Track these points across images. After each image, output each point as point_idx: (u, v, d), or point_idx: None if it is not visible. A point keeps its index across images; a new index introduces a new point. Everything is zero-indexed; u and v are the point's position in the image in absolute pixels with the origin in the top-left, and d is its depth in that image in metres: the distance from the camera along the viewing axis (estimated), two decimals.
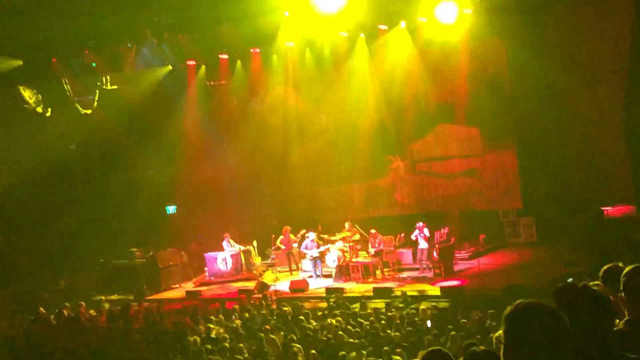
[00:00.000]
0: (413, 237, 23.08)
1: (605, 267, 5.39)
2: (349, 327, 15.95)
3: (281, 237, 25.62)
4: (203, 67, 28.07)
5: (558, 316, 3.34)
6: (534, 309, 3.37)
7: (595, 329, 3.83)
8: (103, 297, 23.56)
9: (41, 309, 22.40)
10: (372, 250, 23.74)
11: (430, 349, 4.64)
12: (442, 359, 4.55)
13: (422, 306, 18.04)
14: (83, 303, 22.06)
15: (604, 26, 22.78)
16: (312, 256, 24.07)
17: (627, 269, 4.41)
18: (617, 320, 4.25)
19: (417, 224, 23.04)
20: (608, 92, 23.27)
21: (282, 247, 25.59)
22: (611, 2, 22.68)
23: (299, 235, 25.22)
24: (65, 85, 26.97)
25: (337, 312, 18.02)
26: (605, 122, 23.57)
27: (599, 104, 23.68)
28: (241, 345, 15.07)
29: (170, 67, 27.36)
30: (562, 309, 3.49)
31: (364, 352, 13.80)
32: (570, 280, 18.03)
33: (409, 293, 20.25)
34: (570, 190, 23.90)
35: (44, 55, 24.85)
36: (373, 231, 24.06)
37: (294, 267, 25.70)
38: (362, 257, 23.82)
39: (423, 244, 22.84)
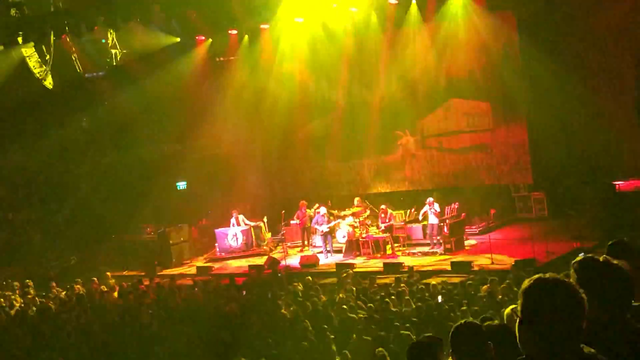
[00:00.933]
0: (422, 213, 23.07)
1: (610, 242, 5.32)
2: (359, 302, 15.98)
3: (297, 211, 25.64)
4: (211, 41, 27.94)
5: (576, 291, 3.31)
6: (551, 283, 3.34)
7: (614, 304, 3.80)
8: (109, 273, 23.64)
9: (53, 284, 22.58)
10: (382, 226, 23.73)
11: (461, 321, 4.65)
12: (473, 331, 4.55)
13: (433, 281, 18.04)
14: (95, 279, 22.20)
15: (618, 5, 22.59)
16: (322, 231, 24.14)
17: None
18: None
19: (428, 199, 23.02)
20: (620, 65, 23.11)
21: (297, 221, 25.61)
22: None
23: (314, 208, 25.23)
24: (75, 62, 26.93)
25: (347, 287, 18.04)
26: (617, 96, 23.43)
27: (611, 77, 23.53)
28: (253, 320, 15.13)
29: (178, 39, 27.27)
30: (582, 283, 3.47)
31: (374, 326, 13.83)
32: (582, 255, 18.02)
33: (419, 268, 20.27)
34: (582, 164, 23.80)
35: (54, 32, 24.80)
36: (383, 206, 24.04)
37: (308, 242, 25.70)
38: (372, 233, 23.82)
39: (433, 219, 22.82)
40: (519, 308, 3.41)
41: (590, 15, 23.05)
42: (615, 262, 3.98)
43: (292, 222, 26.05)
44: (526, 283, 3.41)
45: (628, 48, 22.62)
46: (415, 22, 25.23)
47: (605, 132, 23.66)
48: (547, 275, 3.39)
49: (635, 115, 22.81)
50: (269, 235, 26.61)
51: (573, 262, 4.00)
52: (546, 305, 3.28)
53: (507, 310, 5.49)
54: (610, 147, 23.61)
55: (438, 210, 22.77)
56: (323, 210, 24.43)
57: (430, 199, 22.95)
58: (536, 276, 3.41)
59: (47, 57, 25.02)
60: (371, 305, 15.47)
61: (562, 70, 23.45)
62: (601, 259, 3.98)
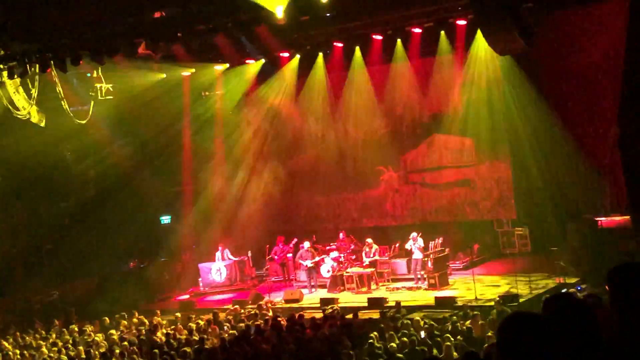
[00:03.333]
0: (407, 247, 23.11)
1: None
2: (343, 337, 15.92)
3: (275, 247, 25.62)
4: (196, 74, 27.89)
5: (549, 327, 3.35)
6: (525, 320, 3.38)
7: (582, 339, 3.84)
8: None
9: (36, 320, 22.40)
10: (366, 261, 23.72)
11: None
12: None
13: (417, 317, 18.01)
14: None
15: (598, 36, 22.83)
16: (306, 266, 24.10)
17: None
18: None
19: (412, 234, 23.05)
20: (603, 103, 23.30)
21: (275, 257, 25.57)
22: (606, 11, 22.70)
23: (291, 244, 25.25)
24: (60, 95, 26.89)
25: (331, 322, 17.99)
26: (600, 133, 23.60)
27: (593, 115, 23.73)
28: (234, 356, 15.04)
29: (164, 75, 27.29)
30: (551, 320, 3.51)
31: None
32: (564, 290, 18.09)
33: (403, 304, 20.24)
34: (565, 200, 23.91)
35: (39, 64, 24.76)
36: (369, 240, 24.07)
37: (288, 278, 25.64)
38: (357, 268, 23.80)
39: (417, 254, 22.84)
40: (494, 345, 3.44)
41: (572, 53, 23.29)
42: (580, 297, 4.04)
43: (269, 258, 25.96)
44: (502, 321, 3.45)
45: (609, 85, 22.81)
46: (400, 59, 25.39)
47: (588, 169, 23.81)
48: (522, 311, 3.44)
49: (617, 153, 22.95)
50: (253, 270, 26.53)
51: (544, 299, 4.06)
52: (521, 342, 3.31)
53: (485, 346, 5.53)
54: (592, 183, 23.74)
55: (422, 245, 22.80)
56: (306, 244, 24.42)
57: (414, 234, 22.99)
58: (511, 313, 3.45)
59: (32, 91, 24.95)
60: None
61: (545, 107, 23.65)
62: (565, 295, 4.04)
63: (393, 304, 20.19)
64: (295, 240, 25.29)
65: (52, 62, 22.87)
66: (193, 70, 27.14)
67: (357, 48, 25.71)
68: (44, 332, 20.58)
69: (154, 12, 21.72)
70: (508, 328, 3.38)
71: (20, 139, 26.50)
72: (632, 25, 21.42)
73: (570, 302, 3.99)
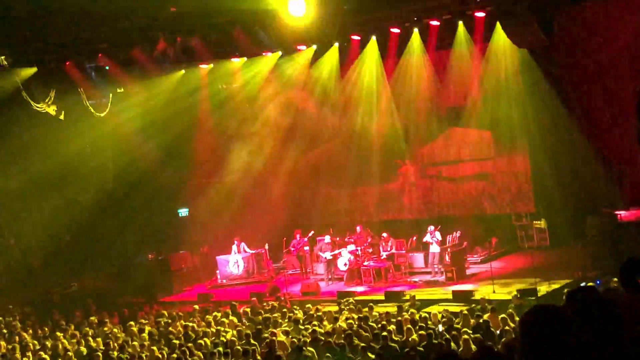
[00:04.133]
0: (425, 240, 23.08)
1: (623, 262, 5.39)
2: (361, 330, 15.93)
3: (292, 240, 25.65)
4: (214, 68, 27.97)
5: (571, 321, 3.33)
6: (548, 313, 3.36)
7: (605, 333, 3.82)
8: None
9: (55, 311, 22.55)
10: (383, 254, 23.72)
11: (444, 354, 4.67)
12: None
13: (434, 310, 18.00)
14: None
15: (617, 29, 22.68)
16: (325, 258, 24.13)
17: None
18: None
19: (429, 228, 23.02)
20: (622, 94, 23.15)
21: (292, 250, 25.61)
22: (624, 5, 22.55)
23: (308, 236, 25.27)
24: (79, 89, 27.01)
25: (348, 315, 18.01)
26: (620, 125, 23.45)
27: (613, 107, 23.58)
28: (252, 348, 15.09)
29: (183, 71, 27.36)
30: (574, 313, 3.50)
31: (372, 355, 13.82)
32: (583, 284, 17.99)
33: (420, 297, 20.22)
34: (584, 193, 23.78)
35: (57, 58, 24.91)
36: (385, 235, 24.09)
37: (305, 270, 25.68)
38: (374, 261, 23.81)
39: (434, 248, 22.82)
40: (509, 341, 3.44)
41: (590, 46, 23.15)
42: (603, 291, 4.03)
43: (286, 251, 26.00)
44: (524, 314, 3.44)
45: (628, 78, 22.67)
46: (417, 51, 25.26)
47: (607, 162, 23.67)
48: (545, 304, 3.43)
49: (637, 145, 22.80)
50: (270, 262, 26.58)
51: (566, 292, 4.05)
52: (543, 335, 3.30)
53: (503, 341, 5.52)
54: (611, 176, 23.60)
55: (439, 238, 22.77)
56: (327, 238, 24.49)
57: (432, 227, 22.96)
58: (534, 306, 3.44)
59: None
60: (368, 335, 15.44)
61: (563, 100, 23.52)
62: (588, 289, 4.02)
63: (409, 297, 20.16)
64: (312, 232, 25.33)
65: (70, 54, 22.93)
66: (211, 65, 27.17)
67: (374, 41, 25.59)
68: (63, 324, 20.70)
69: (170, 7, 21.75)
70: (532, 322, 3.37)
71: (38, 132, 26.68)
72: None
73: (593, 295, 3.98)
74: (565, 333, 3.31)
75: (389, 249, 23.77)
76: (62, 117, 25.08)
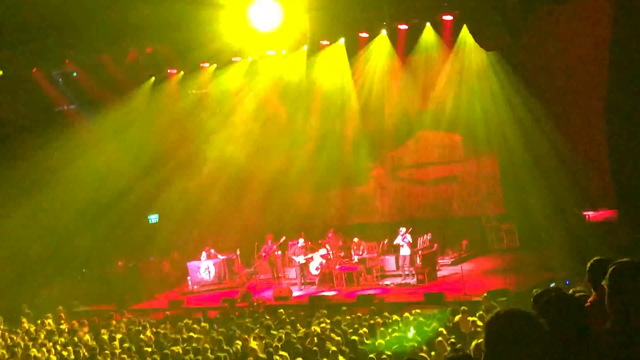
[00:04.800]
0: (396, 243, 23.13)
1: (590, 262, 5.47)
2: (332, 334, 15.93)
3: (264, 245, 25.60)
4: (181, 73, 27.93)
5: (537, 323, 3.36)
6: (513, 316, 3.39)
7: (571, 333, 3.87)
8: (61, 307, 23.35)
9: (24, 320, 22.32)
10: (355, 258, 23.75)
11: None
12: None
13: (406, 313, 18.03)
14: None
15: (585, 31, 22.88)
16: (298, 262, 24.10)
17: (612, 265, 4.35)
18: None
19: (400, 229, 23.08)
20: (589, 97, 23.36)
21: (263, 255, 25.57)
22: (591, 9, 22.77)
23: (280, 241, 25.26)
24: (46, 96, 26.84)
25: (320, 319, 18.00)
26: (587, 127, 23.67)
27: (581, 109, 23.78)
28: (224, 354, 15.01)
29: (153, 78, 27.30)
30: (541, 314, 3.52)
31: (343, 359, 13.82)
32: (552, 285, 18.14)
33: (392, 300, 20.27)
34: (552, 195, 23.94)
35: (23, 65, 24.72)
36: (356, 240, 24.13)
37: (277, 275, 25.63)
38: (346, 264, 23.83)
39: (405, 250, 22.88)
40: (483, 340, 3.45)
41: (558, 48, 23.33)
42: (568, 292, 4.08)
43: (258, 256, 25.96)
44: (489, 316, 3.46)
45: (596, 79, 22.88)
46: (386, 54, 25.35)
47: (575, 163, 23.86)
48: (510, 308, 3.45)
49: (604, 146, 23.03)
50: (242, 268, 26.49)
51: (533, 294, 4.09)
52: (509, 338, 3.32)
53: (474, 343, 5.55)
54: (580, 178, 23.80)
55: (410, 240, 22.84)
56: (301, 241, 24.45)
57: (403, 229, 23.03)
58: (498, 309, 3.46)
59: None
60: (340, 339, 15.45)
61: (532, 102, 23.69)
62: (554, 290, 4.07)
63: (382, 300, 20.21)
64: (284, 238, 25.30)
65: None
66: (182, 72, 27.19)
67: (343, 45, 25.67)
68: (33, 332, 20.49)
69: (137, 13, 21.65)
70: (497, 325, 3.39)
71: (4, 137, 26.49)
72: (618, 19, 21.54)
73: (559, 297, 4.02)
74: (531, 335, 3.33)
75: (360, 253, 23.80)
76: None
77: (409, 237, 22.84)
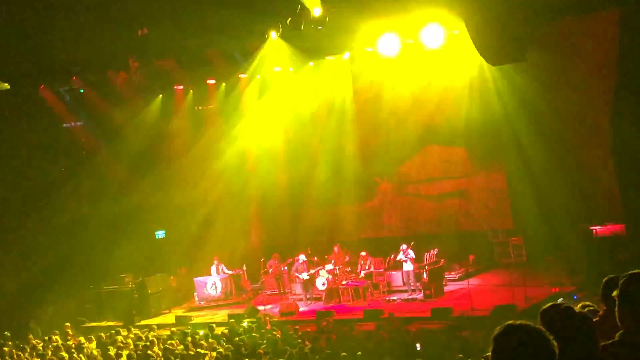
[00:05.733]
0: (398, 259, 23.08)
1: (605, 279, 5.49)
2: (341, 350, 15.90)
3: (270, 261, 25.60)
4: (191, 91, 28.14)
5: (545, 337, 3.36)
6: (521, 330, 3.38)
7: (579, 349, 3.86)
8: (68, 324, 23.32)
9: (30, 336, 22.31)
10: (362, 273, 23.71)
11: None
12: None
13: (413, 328, 18.00)
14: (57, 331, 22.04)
15: (591, 44, 22.90)
16: (302, 279, 24.07)
17: (623, 276, 4.39)
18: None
19: (401, 246, 23.03)
20: (596, 111, 23.36)
21: (270, 270, 25.55)
22: (597, 24, 22.79)
23: (287, 262, 25.28)
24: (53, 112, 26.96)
25: (327, 334, 17.98)
26: (594, 141, 23.65)
27: (587, 123, 23.76)
28: None
29: (160, 96, 27.49)
30: (548, 330, 3.52)
31: None
32: (560, 300, 18.07)
33: (399, 315, 20.22)
34: (560, 209, 23.90)
35: (31, 82, 24.85)
36: (363, 253, 24.10)
37: (283, 291, 25.61)
38: (352, 280, 23.79)
39: (408, 266, 22.83)
40: (490, 354, 3.45)
41: (564, 63, 23.34)
42: (577, 308, 4.07)
43: (264, 272, 25.93)
44: (497, 330, 3.45)
45: (602, 93, 22.88)
46: (392, 70, 25.41)
47: (582, 178, 23.83)
48: (518, 321, 3.44)
49: (612, 161, 23.01)
50: (248, 283, 26.45)
51: (541, 309, 4.09)
52: (516, 352, 3.32)
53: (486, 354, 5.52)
54: (587, 193, 23.75)
55: (413, 256, 22.78)
56: (302, 257, 24.41)
57: (404, 246, 22.96)
58: (506, 322, 3.46)
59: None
60: (345, 354, 15.42)
61: (538, 116, 23.68)
62: (563, 306, 4.06)
63: (389, 315, 20.15)
64: (291, 260, 25.26)
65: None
66: (190, 89, 27.38)
67: (348, 60, 25.79)
68: (40, 348, 20.47)
69: (142, 30, 21.79)
70: (505, 339, 3.38)
71: (13, 154, 26.58)
72: (623, 34, 21.55)
73: (567, 312, 4.02)
74: (538, 350, 3.32)
75: (367, 268, 23.76)
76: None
77: (411, 253, 22.79)
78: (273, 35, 22.44)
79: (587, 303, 6.86)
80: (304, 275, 24.09)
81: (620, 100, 21.98)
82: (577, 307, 6.11)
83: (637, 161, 20.93)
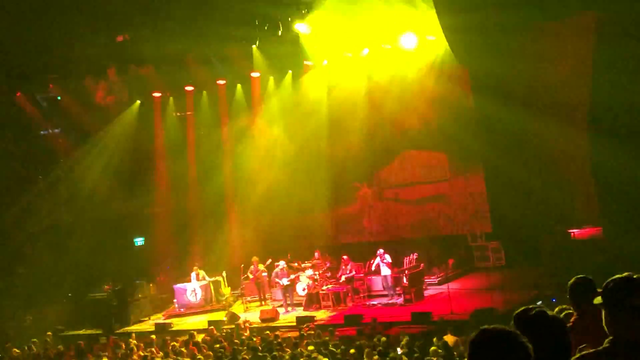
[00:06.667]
0: (375, 264, 23.08)
1: (571, 281, 5.54)
2: (320, 356, 15.87)
3: (251, 267, 25.54)
4: (171, 98, 28.11)
5: (520, 342, 3.39)
6: (497, 334, 3.41)
7: (553, 352, 3.89)
8: (49, 333, 23.18)
9: (8, 344, 22.15)
10: (342, 277, 23.71)
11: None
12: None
13: (393, 333, 18.02)
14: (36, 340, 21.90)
15: (568, 49, 23.07)
16: (282, 285, 24.04)
17: (607, 283, 4.38)
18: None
19: (378, 251, 23.06)
20: (573, 114, 23.52)
21: (250, 276, 25.49)
22: (573, 29, 22.96)
23: (266, 264, 25.23)
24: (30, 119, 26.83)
25: (308, 340, 17.94)
26: (570, 145, 23.81)
27: (564, 126, 23.93)
28: None
29: (138, 102, 27.43)
30: (523, 334, 3.55)
31: None
32: (539, 303, 18.17)
33: (379, 320, 20.23)
34: (537, 213, 24.03)
35: (6, 89, 24.73)
36: (345, 257, 24.06)
37: (264, 296, 25.56)
38: (332, 285, 23.79)
39: (385, 271, 22.85)
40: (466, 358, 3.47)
41: (541, 67, 23.50)
42: (549, 312, 4.10)
43: (244, 278, 25.88)
44: (473, 334, 3.48)
45: (579, 95, 23.06)
46: (369, 75, 25.53)
47: (560, 181, 23.98)
48: (493, 326, 3.46)
49: (589, 164, 23.18)
50: (228, 290, 26.36)
51: (514, 313, 4.12)
52: (491, 355, 3.34)
53: None
54: (565, 196, 23.91)
55: (389, 261, 22.82)
56: (282, 263, 24.37)
57: (381, 251, 22.98)
58: (482, 327, 3.48)
59: None
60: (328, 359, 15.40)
61: (516, 120, 23.81)
62: (535, 310, 4.10)
63: (369, 320, 20.17)
64: (270, 260, 25.25)
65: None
66: (169, 95, 27.34)
67: (326, 66, 25.87)
68: (20, 358, 20.32)
69: (119, 35, 21.74)
70: (481, 343, 3.41)
71: None
72: (599, 40, 21.74)
73: (541, 316, 4.05)
74: (513, 354, 3.35)
75: (348, 272, 23.76)
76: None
77: (387, 258, 22.82)
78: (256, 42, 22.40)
79: (565, 306, 6.92)
80: (284, 281, 24.06)
81: (597, 103, 22.15)
82: (555, 311, 6.18)
83: (614, 164, 21.08)
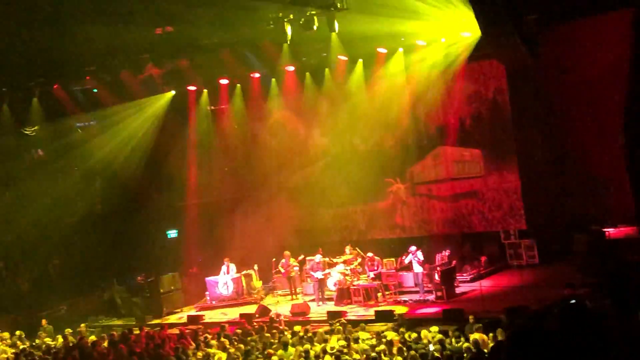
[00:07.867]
0: (407, 261, 23.05)
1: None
2: (352, 351, 15.88)
3: (282, 261, 25.59)
4: (205, 92, 28.21)
5: (557, 338, 3.36)
6: (533, 331, 3.39)
7: (591, 348, 3.85)
8: (83, 325, 23.40)
9: (41, 334, 22.44)
10: (370, 274, 23.69)
11: None
12: None
13: (424, 330, 17.95)
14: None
15: (604, 46, 22.86)
16: (317, 278, 24.08)
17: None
18: None
19: (410, 248, 23.01)
20: (608, 112, 23.30)
21: (282, 270, 25.55)
22: (611, 21, 22.72)
23: (298, 259, 25.28)
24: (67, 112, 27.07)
25: (339, 335, 17.94)
26: (606, 143, 23.59)
27: (600, 124, 23.72)
28: None
29: (173, 92, 27.54)
30: (562, 330, 3.53)
31: None
32: (572, 302, 17.99)
33: (410, 317, 20.18)
34: (572, 211, 23.85)
35: (44, 82, 24.98)
36: (370, 254, 24.03)
37: (295, 290, 25.61)
38: (363, 280, 23.79)
39: (417, 268, 22.80)
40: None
41: (577, 64, 23.32)
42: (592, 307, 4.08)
43: (276, 272, 25.95)
44: (511, 332, 3.48)
45: (615, 95, 22.82)
46: (404, 71, 25.44)
47: (595, 180, 23.77)
48: (529, 322, 3.46)
49: (624, 162, 22.93)
50: (259, 283, 26.43)
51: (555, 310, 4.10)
52: (528, 352, 3.33)
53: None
54: (600, 195, 23.69)
55: (421, 258, 22.75)
56: (318, 257, 24.44)
57: (413, 248, 22.95)
58: (521, 324, 3.48)
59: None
60: (358, 356, 15.39)
61: (552, 118, 23.65)
62: (578, 305, 4.07)
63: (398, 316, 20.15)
64: (303, 256, 25.29)
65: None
66: (197, 87, 27.44)
67: (360, 62, 25.81)
68: (53, 347, 20.56)
69: (156, 29, 21.81)
70: (517, 340, 3.40)
71: (26, 155, 26.75)
72: (637, 35, 21.48)
73: (581, 312, 4.01)
74: (552, 350, 3.33)
75: (375, 269, 23.73)
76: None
77: (419, 255, 22.77)
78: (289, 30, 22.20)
79: (600, 303, 6.86)
80: (319, 275, 24.11)
81: (633, 100, 21.90)
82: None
83: None
